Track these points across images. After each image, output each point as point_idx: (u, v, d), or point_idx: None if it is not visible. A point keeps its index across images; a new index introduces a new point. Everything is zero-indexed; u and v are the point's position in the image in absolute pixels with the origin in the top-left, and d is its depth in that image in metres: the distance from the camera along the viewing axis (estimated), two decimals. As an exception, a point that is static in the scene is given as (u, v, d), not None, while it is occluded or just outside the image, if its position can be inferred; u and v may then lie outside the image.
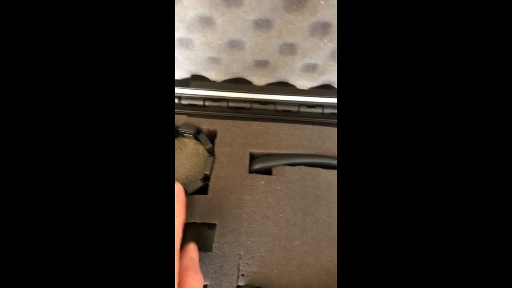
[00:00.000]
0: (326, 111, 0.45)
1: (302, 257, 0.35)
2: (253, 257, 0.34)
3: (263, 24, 0.36)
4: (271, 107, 0.45)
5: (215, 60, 0.42)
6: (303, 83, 0.45)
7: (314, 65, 0.42)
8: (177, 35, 0.38)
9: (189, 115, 0.43)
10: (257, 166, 0.40)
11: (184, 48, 0.40)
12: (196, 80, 0.45)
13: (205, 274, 0.33)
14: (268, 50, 0.39)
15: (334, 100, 0.45)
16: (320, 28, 0.36)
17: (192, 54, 0.41)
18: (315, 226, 0.36)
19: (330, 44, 0.38)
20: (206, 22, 0.37)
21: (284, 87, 0.46)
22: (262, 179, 0.38)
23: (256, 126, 0.43)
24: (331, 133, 0.43)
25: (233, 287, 0.33)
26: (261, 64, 0.42)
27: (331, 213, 0.37)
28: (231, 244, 0.35)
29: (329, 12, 0.34)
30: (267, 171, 0.40)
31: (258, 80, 0.45)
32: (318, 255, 0.35)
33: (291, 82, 0.45)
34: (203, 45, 0.39)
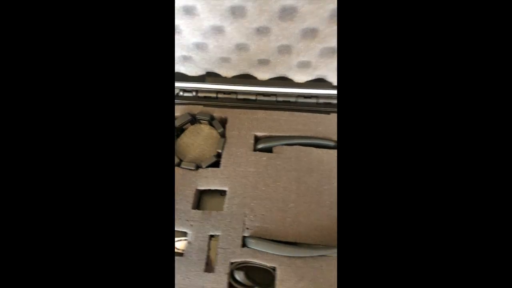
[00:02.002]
0: (320, 101, 0.52)
1: (296, 216, 0.43)
2: (255, 215, 0.43)
3: (263, 31, 0.44)
4: (273, 98, 0.52)
5: (225, 60, 0.50)
6: (299, 78, 0.52)
7: (307, 62, 0.49)
8: (194, 40, 0.47)
9: (204, 105, 0.52)
10: (260, 145, 0.49)
11: (200, 50, 0.49)
12: (210, 76, 0.54)
13: (217, 228, 0.42)
14: (268, 51, 0.47)
15: (326, 91, 0.52)
16: (310, 33, 0.44)
17: (207, 55, 0.49)
18: (307, 193, 0.44)
19: (318, 45, 0.45)
20: (218, 30, 0.45)
21: (283, 81, 0.53)
22: (264, 155, 0.47)
23: (260, 113, 0.51)
24: (323, 119, 0.51)
25: (240, 237, 0.42)
26: (263, 62, 0.50)
27: (321, 182, 0.45)
28: (238, 205, 0.44)
29: (315, 21, 0.42)
30: (269, 150, 0.49)
31: (262, 75, 0.53)
32: (308, 215, 0.43)
33: (290, 77, 0.53)
34: (216, 48, 0.48)
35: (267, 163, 0.46)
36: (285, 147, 0.48)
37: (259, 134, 0.49)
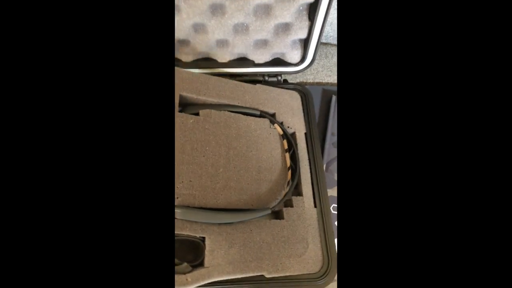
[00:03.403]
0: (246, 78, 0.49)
1: (226, 182, 0.40)
2: (182, 181, 0.38)
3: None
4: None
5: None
6: (221, 56, 0.48)
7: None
8: None
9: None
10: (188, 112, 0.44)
11: None
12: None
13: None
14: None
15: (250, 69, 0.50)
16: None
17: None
18: (237, 158, 0.42)
19: (229, 22, 0.42)
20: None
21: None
22: (191, 118, 0.43)
23: (186, 74, 0.45)
24: (249, 88, 0.47)
25: None
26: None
27: (249, 147, 0.43)
28: None
29: None
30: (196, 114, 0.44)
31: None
32: (239, 180, 0.41)
33: (213, 57, 0.49)
34: None
35: (194, 126, 0.43)
36: (213, 111, 0.44)
37: (185, 94, 0.44)
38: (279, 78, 0.50)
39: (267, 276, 0.37)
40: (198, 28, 0.43)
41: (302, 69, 0.49)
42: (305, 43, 0.46)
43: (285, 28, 0.44)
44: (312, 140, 0.47)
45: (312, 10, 0.42)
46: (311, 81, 0.59)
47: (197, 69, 0.49)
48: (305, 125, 0.48)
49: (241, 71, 0.49)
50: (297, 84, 0.51)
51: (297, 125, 0.47)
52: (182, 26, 0.42)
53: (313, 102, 0.50)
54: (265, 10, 0.41)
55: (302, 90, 0.50)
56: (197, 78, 0.46)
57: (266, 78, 0.50)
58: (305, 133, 0.47)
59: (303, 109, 0.49)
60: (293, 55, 0.48)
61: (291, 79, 0.53)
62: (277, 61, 0.49)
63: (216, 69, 0.49)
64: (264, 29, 0.43)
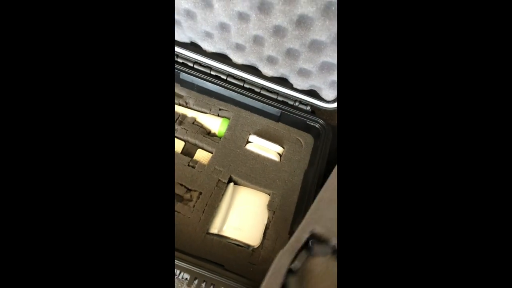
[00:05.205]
0: (279, 98, 0.53)
1: None
2: None
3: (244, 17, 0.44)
4: (241, 83, 0.53)
5: (208, 35, 0.49)
6: (267, 71, 0.52)
7: (275, 58, 0.49)
8: (186, 6, 0.45)
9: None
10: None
11: (189, 18, 0.47)
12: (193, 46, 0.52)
13: None
14: (245, 37, 0.47)
15: (285, 90, 0.53)
16: (281, 31, 0.44)
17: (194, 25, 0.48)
18: None
19: (286, 44, 0.46)
20: (207, 3, 0.44)
21: (254, 70, 0.52)
22: None
23: None
24: None
25: None
26: (240, 47, 0.49)
27: None
28: None
29: (285, 20, 0.42)
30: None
31: (236, 59, 0.52)
32: None
33: (259, 69, 0.52)
34: (202, 20, 0.46)
35: None
36: None
37: None
38: (308, 108, 0.54)
39: None
40: (258, 39, 0.47)
41: (332, 108, 0.52)
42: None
43: (330, 67, 0.47)
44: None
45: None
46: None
47: (243, 73, 0.52)
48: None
49: (278, 89, 0.53)
50: (324, 120, 0.53)
51: None
52: (246, 33, 0.46)
53: (329, 141, 0.51)
54: (319, 46, 0.45)
55: (324, 126, 0.52)
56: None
57: (297, 104, 0.54)
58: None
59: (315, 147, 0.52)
60: (329, 93, 0.52)
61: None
62: (312, 93, 0.53)
63: (258, 78, 0.52)
64: (312, 61, 0.47)
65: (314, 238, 0.33)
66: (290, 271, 0.31)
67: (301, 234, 0.32)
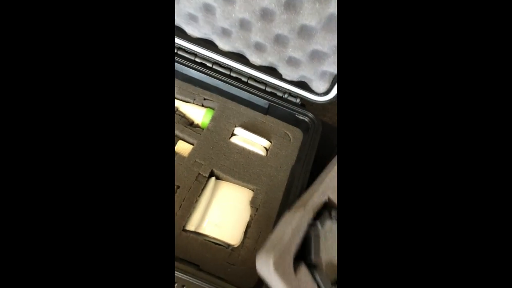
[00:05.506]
0: (268, 89, 0.50)
1: None
2: None
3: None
4: (227, 71, 0.50)
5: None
6: (254, 59, 0.49)
7: (263, 45, 0.46)
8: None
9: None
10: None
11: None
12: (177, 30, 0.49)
13: None
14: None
15: (274, 81, 0.50)
16: (269, 14, 0.41)
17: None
18: None
19: (274, 29, 0.42)
20: None
21: (241, 57, 0.49)
22: None
23: None
24: None
25: None
26: (226, 32, 0.46)
27: None
28: None
29: (272, 1, 0.39)
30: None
31: (223, 46, 0.49)
32: None
33: (247, 56, 0.49)
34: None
35: None
36: None
37: None
38: (298, 100, 0.51)
39: None
40: (245, 24, 0.44)
41: (323, 101, 0.49)
42: (335, 78, 0.47)
43: (321, 56, 0.44)
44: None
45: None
46: (327, 120, 0.59)
47: (229, 61, 0.49)
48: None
49: (267, 79, 0.50)
50: (312, 113, 0.50)
51: None
52: (231, 16, 0.43)
53: (318, 136, 0.48)
54: (309, 33, 0.42)
55: (314, 120, 0.49)
56: None
57: (286, 96, 0.51)
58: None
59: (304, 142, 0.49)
60: (319, 85, 0.49)
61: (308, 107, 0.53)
62: (302, 84, 0.50)
63: (245, 66, 0.49)
64: (302, 49, 0.44)
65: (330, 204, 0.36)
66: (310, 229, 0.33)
67: (321, 197, 0.35)
